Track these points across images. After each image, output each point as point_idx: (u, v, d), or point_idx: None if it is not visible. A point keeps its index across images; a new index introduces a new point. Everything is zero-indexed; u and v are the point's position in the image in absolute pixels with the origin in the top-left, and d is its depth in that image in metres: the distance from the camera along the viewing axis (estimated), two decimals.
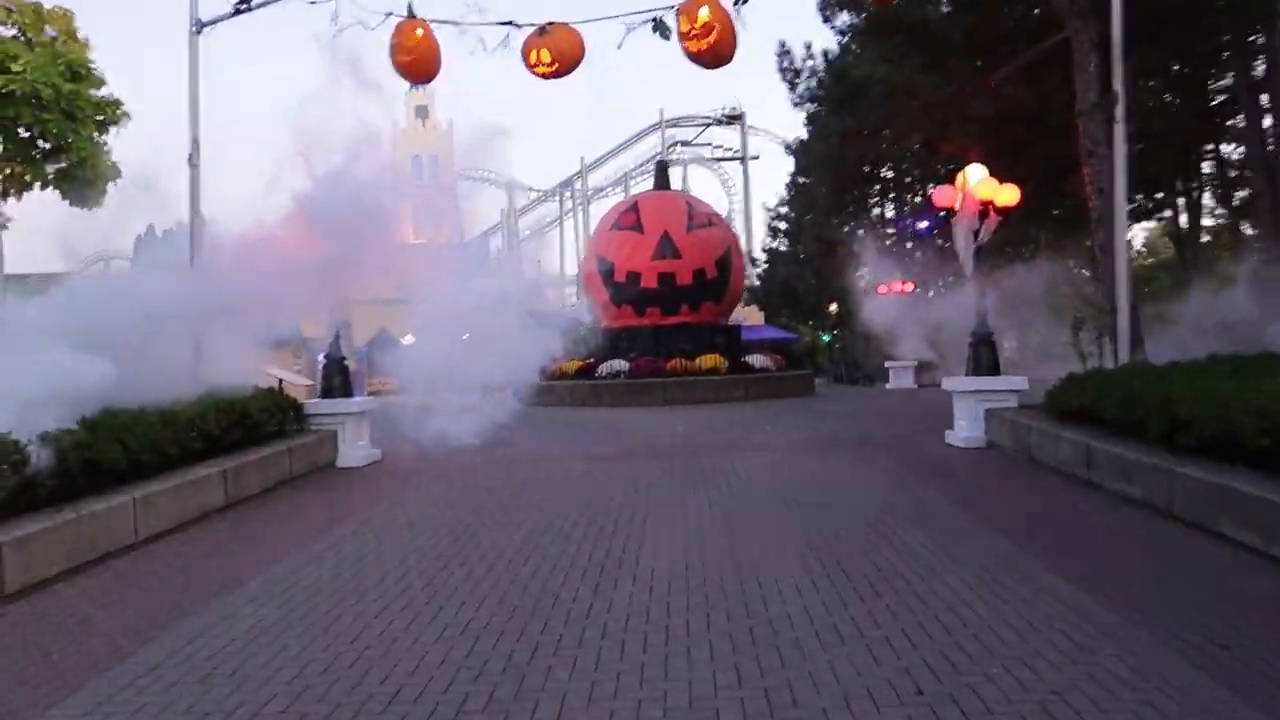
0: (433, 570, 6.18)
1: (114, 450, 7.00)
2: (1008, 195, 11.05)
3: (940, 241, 36.99)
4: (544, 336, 21.26)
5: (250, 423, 9.56)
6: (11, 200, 13.11)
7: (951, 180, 12.03)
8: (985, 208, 10.99)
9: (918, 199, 40.48)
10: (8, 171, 12.85)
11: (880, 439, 12.74)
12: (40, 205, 13.36)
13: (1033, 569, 5.69)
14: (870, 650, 4.45)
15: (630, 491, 8.97)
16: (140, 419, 7.58)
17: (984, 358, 11.10)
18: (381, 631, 4.95)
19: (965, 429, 11.10)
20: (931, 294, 31.26)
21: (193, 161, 9.75)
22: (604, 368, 21.47)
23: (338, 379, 11.56)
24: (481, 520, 7.78)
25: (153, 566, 6.52)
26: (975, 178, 11.06)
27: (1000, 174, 11.49)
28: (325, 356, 11.64)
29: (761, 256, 52.26)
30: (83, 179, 11.77)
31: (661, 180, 24.81)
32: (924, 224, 34.63)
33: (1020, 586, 5.35)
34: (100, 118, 11.56)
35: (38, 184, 12.74)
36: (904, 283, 30.22)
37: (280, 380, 10.80)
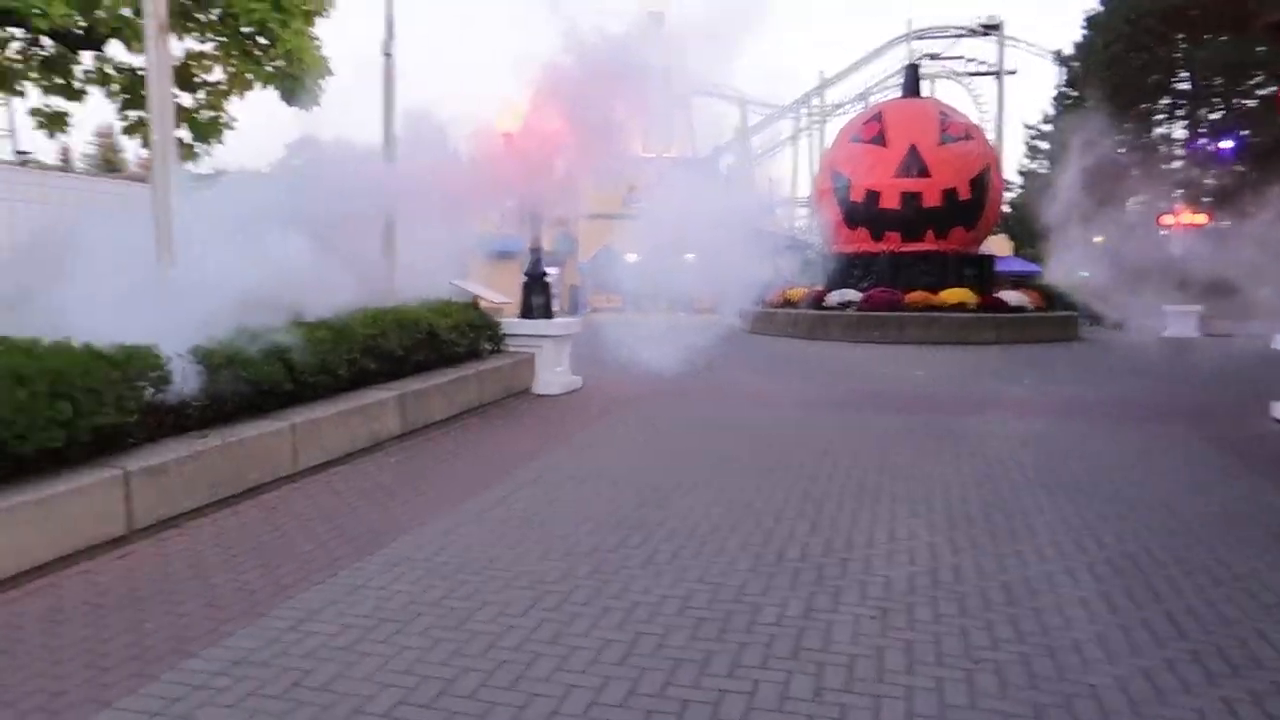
0: (607, 547, 4.97)
1: (274, 369, 6.26)
2: None
3: (1241, 167, 31.52)
4: (770, 260, 19.72)
5: (438, 343, 8.76)
6: (234, 99, 13.02)
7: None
8: None
9: (1214, 114, 34.71)
10: (231, 70, 12.69)
11: (1179, 406, 10.29)
12: (260, 105, 13.17)
13: None
14: None
15: (857, 455, 7.39)
16: (310, 334, 6.84)
17: None
18: (521, 643, 3.77)
19: None
20: (1228, 227, 26.59)
21: (387, 50, 8.91)
22: (833, 297, 19.62)
23: (539, 298, 10.62)
24: (677, 479, 6.51)
25: (300, 506, 5.74)
26: None
27: None
28: (525, 274, 10.71)
29: (1016, 180, 47.37)
30: (292, 75, 11.34)
31: (911, 86, 22.11)
32: (1228, 143, 29.47)
33: None
34: (307, 8, 11.00)
35: (258, 83, 12.50)
36: (1195, 211, 25.83)
37: (476, 297, 9.95)
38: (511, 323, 10.46)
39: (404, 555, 4.84)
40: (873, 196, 19.60)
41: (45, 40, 12.15)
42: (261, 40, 11.71)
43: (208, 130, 13.25)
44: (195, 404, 5.76)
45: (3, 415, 4.32)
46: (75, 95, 12.53)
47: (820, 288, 20.41)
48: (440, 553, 4.89)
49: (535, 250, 10.69)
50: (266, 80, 11.95)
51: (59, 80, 12.29)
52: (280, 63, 11.48)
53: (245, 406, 6.21)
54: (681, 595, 4.30)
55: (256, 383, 6.15)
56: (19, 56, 12.31)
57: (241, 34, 11.55)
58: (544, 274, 10.72)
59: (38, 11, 8.52)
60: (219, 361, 5.89)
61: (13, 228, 8.12)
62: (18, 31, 11.84)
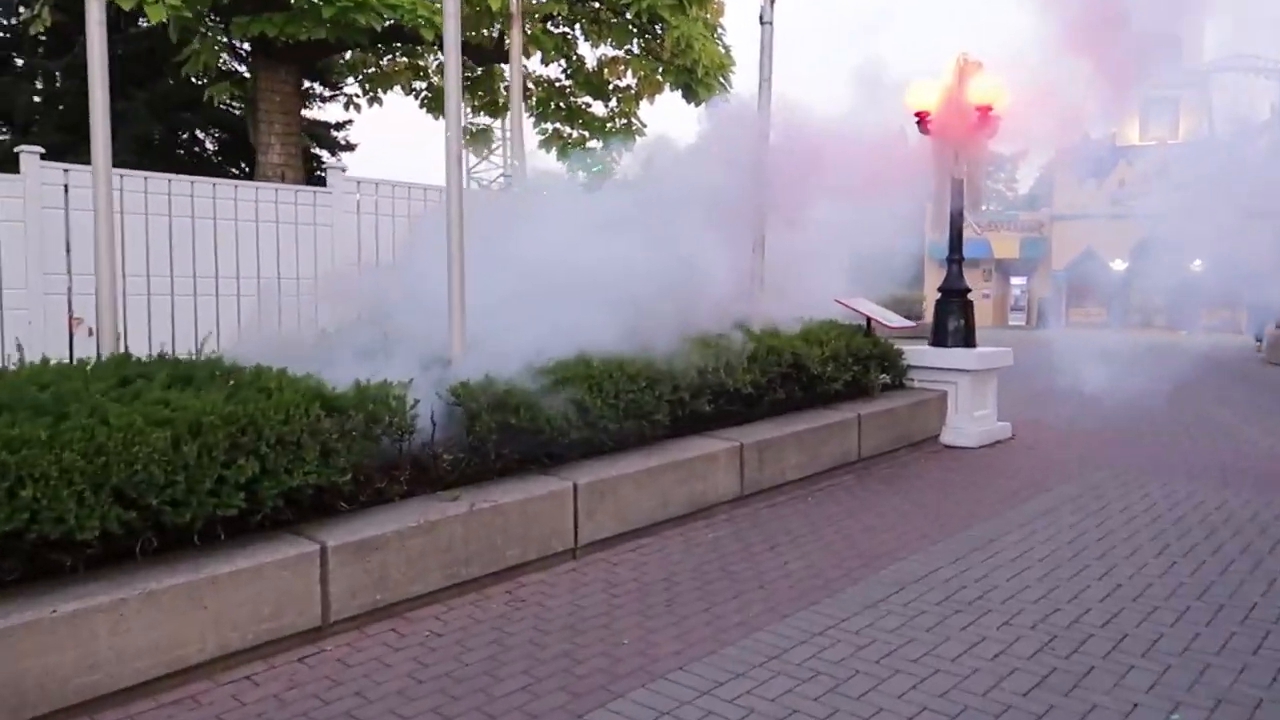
0: None
1: (555, 414, 4.96)
2: None
3: None
4: None
5: (808, 378, 6.94)
6: (644, 104, 12.37)
7: None
8: None
9: None
10: (642, 74, 12.04)
11: None
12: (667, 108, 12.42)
13: None
14: None
15: None
16: (614, 368, 5.45)
17: None
18: None
19: None
20: None
21: (765, 19, 7.31)
22: None
23: (955, 320, 8.27)
24: (1120, 627, 4.00)
25: (558, 602, 4.33)
26: None
27: None
28: (940, 289, 8.41)
29: None
30: (687, 69, 10.25)
31: None
32: None
33: None
34: None
35: (667, 84, 11.68)
36: None
37: (870, 319, 7.93)
38: (918, 351, 8.25)
39: None
40: None
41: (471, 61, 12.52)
42: (660, 33, 10.80)
43: (620, 136, 12.83)
44: (449, 457, 4.63)
45: (153, 478, 3.45)
46: (498, 110, 12.81)
47: None
48: None
49: (953, 258, 8.36)
50: (670, 79, 11.05)
51: (484, 96, 12.62)
52: (679, 59, 10.45)
53: (524, 459, 4.99)
54: None
55: (534, 431, 4.89)
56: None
57: (645, 32, 10.75)
58: (964, 289, 8.34)
59: (423, 22, 8.35)
60: (482, 404, 4.71)
61: (368, 241, 7.91)
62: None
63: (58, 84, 14.59)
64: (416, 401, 4.51)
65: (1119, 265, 32.87)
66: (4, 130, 14.26)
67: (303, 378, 4.38)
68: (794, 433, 6.41)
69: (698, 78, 10.39)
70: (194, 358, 4.91)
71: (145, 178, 6.63)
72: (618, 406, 5.34)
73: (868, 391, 7.57)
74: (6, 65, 13.95)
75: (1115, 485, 6.67)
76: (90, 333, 6.31)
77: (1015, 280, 39.41)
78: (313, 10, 7.97)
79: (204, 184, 7.00)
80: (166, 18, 7.29)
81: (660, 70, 11.16)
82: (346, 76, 13.20)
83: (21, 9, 10.43)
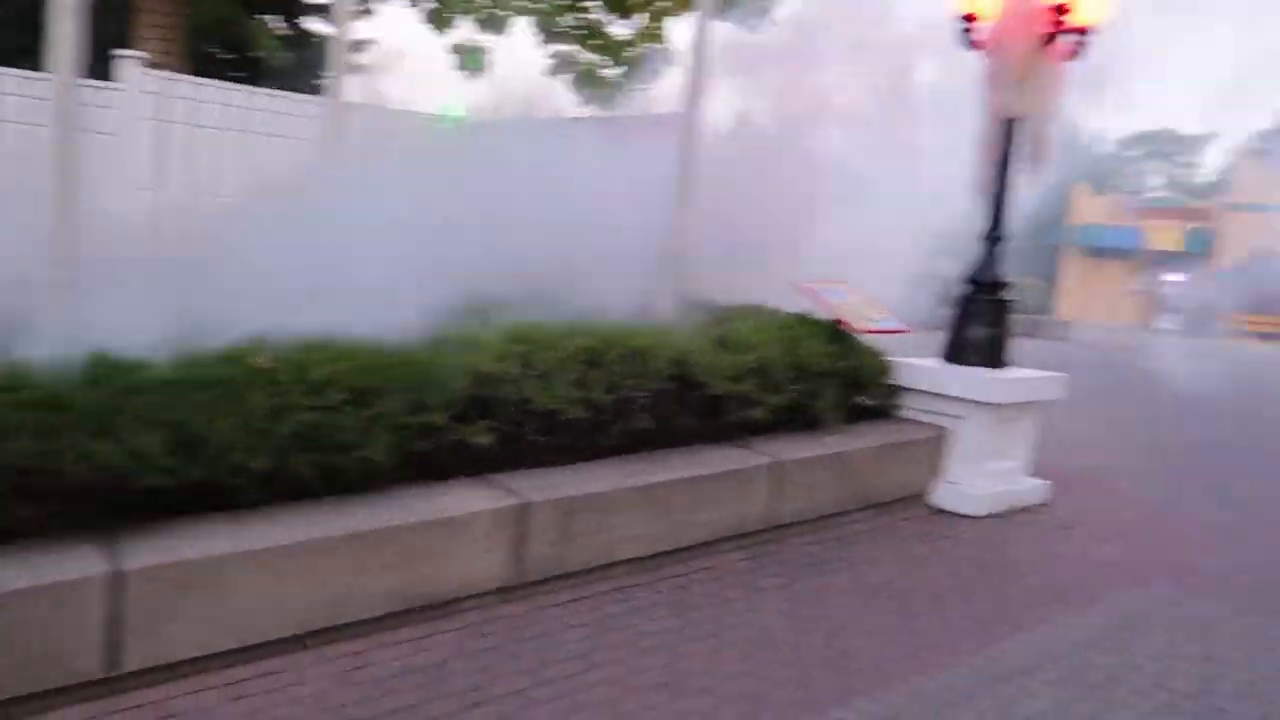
0: None
1: (100, 452, 2.88)
2: None
3: None
4: None
5: (700, 399, 4.61)
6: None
7: None
8: None
9: None
10: None
11: None
12: None
13: None
14: None
15: None
16: (293, 366, 3.34)
17: None
18: None
19: None
20: None
21: None
22: None
23: (981, 326, 5.68)
24: None
25: None
26: None
27: None
28: (970, 279, 5.81)
29: None
30: None
31: None
32: None
33: None
34: None
35: None
36: None
37: (838, 317, 5.45)
38: (915, 368, 5.73)
39: None
40: None
41: None
42: None
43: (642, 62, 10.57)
44: None
45: None
46: (498, 26, 10.70)
47: None
48: None
49: (992, 235, 5.74)
50: None
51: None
52: None
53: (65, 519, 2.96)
54: None
55: (49, 473, 2.84)
56: None
57: None
58: (998, 282, 5.72)
59: None
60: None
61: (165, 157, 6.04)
62: None
63: None
64: None
65: None
66: None
67: None
68: (641, 486, 4.12)
69: None
70: None
71: None
72: (270, 432, 3.23)
73: (815, 421, 5.15)
74: None
75: (1187, 619, 4.09)
76: None
77: (1174, 278, 34.66)
78: None
79: None
80: None
81: None
82: None
83: None
